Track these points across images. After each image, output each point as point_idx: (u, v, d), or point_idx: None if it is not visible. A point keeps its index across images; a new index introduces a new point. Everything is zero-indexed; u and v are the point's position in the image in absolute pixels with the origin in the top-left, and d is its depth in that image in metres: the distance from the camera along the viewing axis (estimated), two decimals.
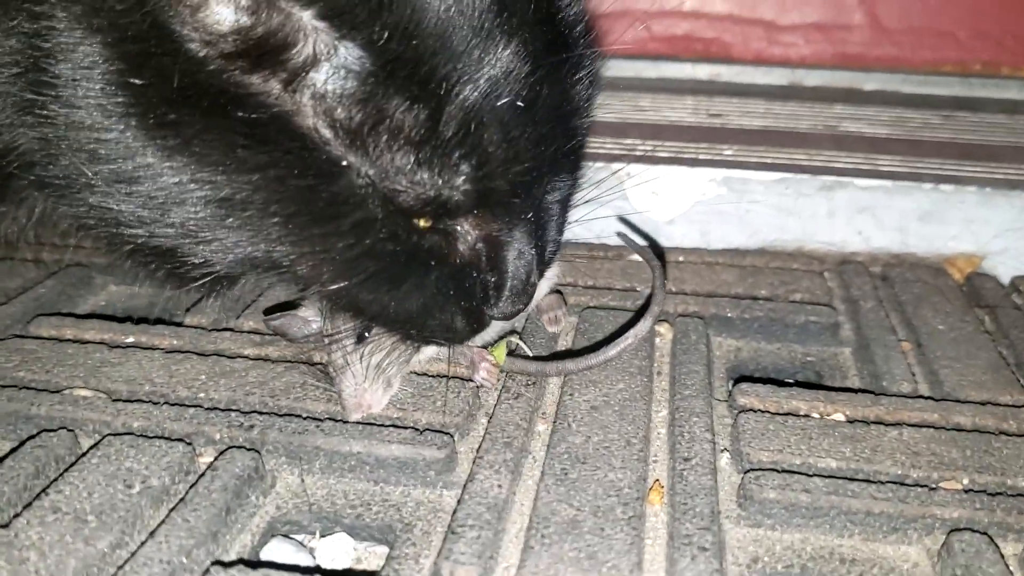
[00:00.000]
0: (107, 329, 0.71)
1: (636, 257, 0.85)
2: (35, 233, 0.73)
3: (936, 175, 0.85)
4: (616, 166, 0.88)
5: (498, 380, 0.64)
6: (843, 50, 1.05)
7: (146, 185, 0.45)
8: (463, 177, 0.46)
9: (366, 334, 0.60)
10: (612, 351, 0.62)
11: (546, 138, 0.50)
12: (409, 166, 0.46)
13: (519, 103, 0.46)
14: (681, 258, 0.85)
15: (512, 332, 0.68)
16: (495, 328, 0.64)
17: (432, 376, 0.64)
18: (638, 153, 0.89)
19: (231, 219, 0.46)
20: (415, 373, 0.64)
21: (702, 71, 1.08)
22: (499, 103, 0.45)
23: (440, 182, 0.46)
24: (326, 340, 0.61)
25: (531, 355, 0.67)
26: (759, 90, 1.04)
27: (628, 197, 0.88)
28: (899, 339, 0.72)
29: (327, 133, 0.44)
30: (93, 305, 0.81)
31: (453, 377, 0.64)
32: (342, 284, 0.50)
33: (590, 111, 0.58)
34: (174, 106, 0.43)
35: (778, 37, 1.06)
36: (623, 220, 0.85)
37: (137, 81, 0.43)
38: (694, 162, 0.87)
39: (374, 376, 0.60)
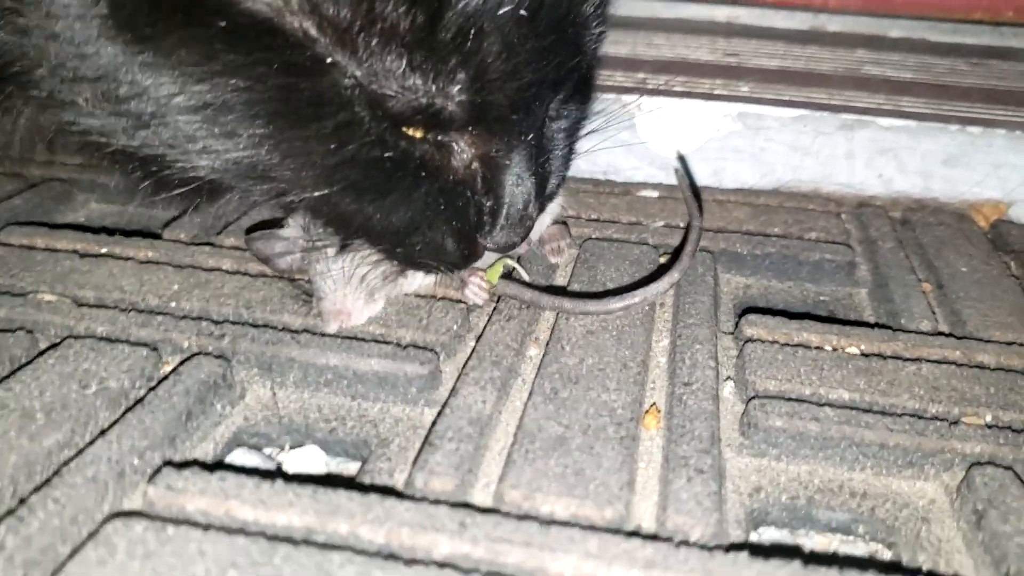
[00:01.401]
0: (80, 239, 0.67)
1: (644, 193, 0.81)
2: (20, 144, 0.71)
3: (963, 117, 0.80)
4: (626, 98, 0.83)
5: (488, 300, 0.60)
6: None
7: (129, 99, 0.43)
8: (459, 87, 0.43)
9: (349, 244, 0.56)
10: (615, 304, 0.58)
11: (549, 52, 0.46)
12: (401, 69, 0.42)
13: (522, 12, 0.42)
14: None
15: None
16: (490, 260, 0.60)
17: (420, 296, 0.60)
18: (650, 87, 0.85)
19: (214, 125, 0.43)
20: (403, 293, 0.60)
21: (720, 13, 1.03)
22: (501, 10, 0.42)
23: (434, 89, 0.43)
24: (307, 248, 0.57)
25: (528, 280, 0.63)
26: (779, 34, 0.99)
27: (638, 131, 0.83)
28: (919, 279, 0.67)
29: (313, 31, 0.41)
30: (71, 220, 0.77)
31: (443, 298, 0.60)
32: (324, 191, 0.46)
33: (600, 30, 0.53)
34: (153, 18, 0.41)
35: None
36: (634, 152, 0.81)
37: None
38: (708, 96, 0.83)
39: (356, 285, 0.56)
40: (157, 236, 0.69)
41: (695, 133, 0.83)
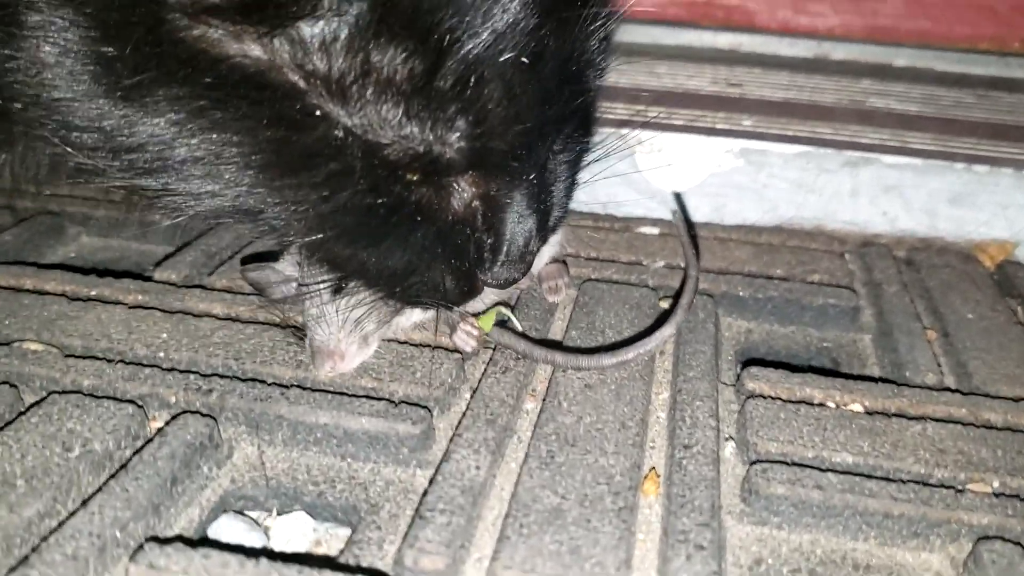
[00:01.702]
0: (69, 281, 0.65)
1: (644, 229, 0.79)
2: (12, 176, 0.70)
3: (969, 155, 0.79)
4: (626, 131, 0.82)
5: (479, 347, 0.59)
6: (873, 22, 0.99)
7: (125, 150, 0.43)
8: (458, 134, 0.43)
9: (344, 285, 0.55)
10: (608, 360, 0.56)
11: (552, 97, 0.45)
12: (397, 118, 0.42)
13: (524, 59, 0.42)
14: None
15: (505, 304, 0.63)
16: (489, 297, 0.59)
17: (414, 345, 0.59)
18: (650, 119, 0.83)
19: (207, 174, 0.43)
20: (396, 341, 0.59)
21: (723, 40, 1.01)
22: (503, 58, 0.41)
23: (431, 137, 0.42)
24: (301, 289, 0.55)
25: (520, 330, 0.62)
26: (782, 62, 0.98)
27: (638, 165, 0.82)
28: (924, 327, 0.66)
29: (301, 83, 0.40)
30: (62, 256, 0.76)
31: (437, 347, 0.59)
32: (316, 236, 0.46)
33: (602, 70, 0.53)
34: (141, 77, 0.40)
35: (805, 6, 0.99)
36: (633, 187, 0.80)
37: (110, 51, 0.40)
38: (710, 131, 0.82)
39: (350, 329, 0.55)
40: (148, 278, 0.67)
41: (696, 168, 0.81)
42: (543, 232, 0.52)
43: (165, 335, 0.59)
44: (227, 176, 0.43)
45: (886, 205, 0.80)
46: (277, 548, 0.46)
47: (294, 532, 0.47)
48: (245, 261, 0.65)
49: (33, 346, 0.57)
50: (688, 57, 0.98)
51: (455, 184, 0.47)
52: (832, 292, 0.69)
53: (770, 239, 0.79)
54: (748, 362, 0.61)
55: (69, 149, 0.44)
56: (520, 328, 0.62)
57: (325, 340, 0.55)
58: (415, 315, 0.59)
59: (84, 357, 0.56)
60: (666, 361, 0.61)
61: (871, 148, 0.79)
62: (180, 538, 0.43)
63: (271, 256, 0.61)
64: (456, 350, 0.58)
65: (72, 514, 0.43)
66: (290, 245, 0.56)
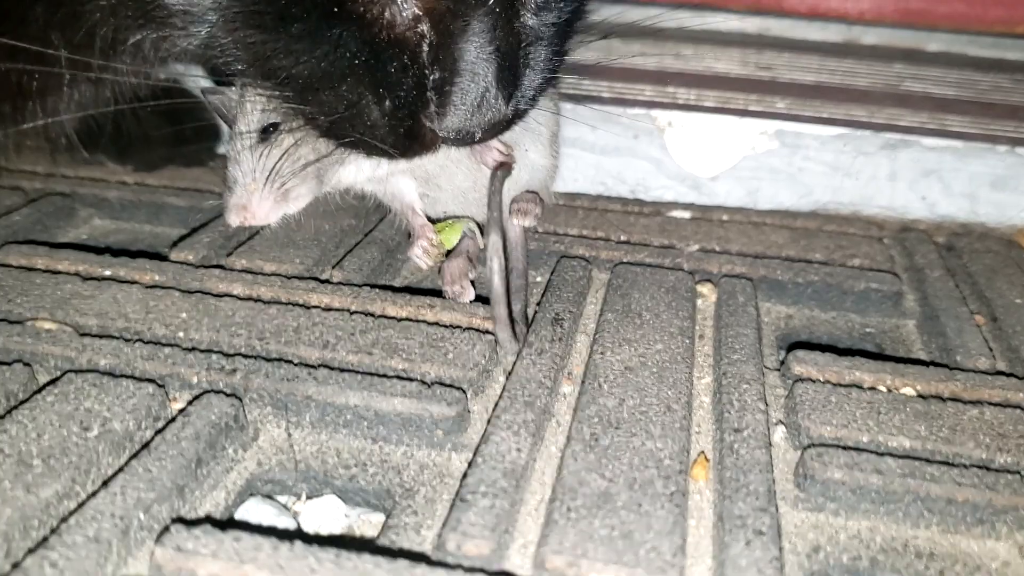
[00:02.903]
0: (82, 260, 0.63)
1: (675, 213, 0.77)
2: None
3: (1012, 138, 0.76)
4: (655, 113, 0.79)
5: (435, 264, 0.56)
6: (906, 5, 0.96)
7: None
8: None
9: (271, 130, 0.51)
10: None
11: None
12: None
13: None
14: (726, 217, 0.76)
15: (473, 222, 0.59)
16: (458, 176, 0.56)
17: (444, 326, 0.56)
18: (680, 101, 0.81)
19: None
20: (423, 322, 0.56)
21: (750, 24, 0.99)
22: None
23: None
24: (236, 128, 0.52)
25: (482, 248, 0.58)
26: (812, 46, 0.95)
27: (668, 149, 0.79)
28: (972, 312, 0.63)
29: None
30: (74, 237, 0.74)
31: (469, 328, 0.56)
32: (232, 9, 0.40)
33: None
34: None
35: None
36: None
37: None
38: (743, 112, 0.79)
39: (268, 179, 0.51)
40: (164, 258, 0.65)
41: (729, 151, 0.79)
42: (511, 90, 0.44)
43: (184, 315, 0.56)
44: None
45: (925, 189, 0.77)
46: (308, 533, 0.43)
47: (325, 517, 0.45)
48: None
49: (47, 325, 0.55)
50: (715, 41, 0.95)
51: None
52: (874, 277, 0.67)
53: (807, 224, 0.76)
54: (793, 346, 0.58)
55: None
56: (481, 244, 0.57)
57: (238, 191, 0.52)
58: (352, 169, 0.54)
59: (100, 336, 0.54)
60: (706, 345, 0.59)
61: (909, 130, 0.77)
62: (208, 519, 0.41)
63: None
64: (488, 332, 0.56)
65: (92, 495, 0.40)
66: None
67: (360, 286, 0.61)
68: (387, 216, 0.71)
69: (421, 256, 0.55)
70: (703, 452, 0.48)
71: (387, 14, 0.40)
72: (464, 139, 0.45)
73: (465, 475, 0.43)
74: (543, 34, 0.47)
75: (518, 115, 0.47)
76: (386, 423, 0.49)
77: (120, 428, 0.45)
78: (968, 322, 0.61)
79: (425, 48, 0.42)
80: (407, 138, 0.45)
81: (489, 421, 0.48)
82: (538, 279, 0.68)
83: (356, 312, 0.57)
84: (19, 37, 0.59)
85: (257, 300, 0.59)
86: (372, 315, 0.57)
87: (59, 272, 0.61)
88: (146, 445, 0.44)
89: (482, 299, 0.59)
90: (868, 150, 0.77)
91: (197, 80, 0.82)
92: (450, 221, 0.56)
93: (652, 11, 0.85)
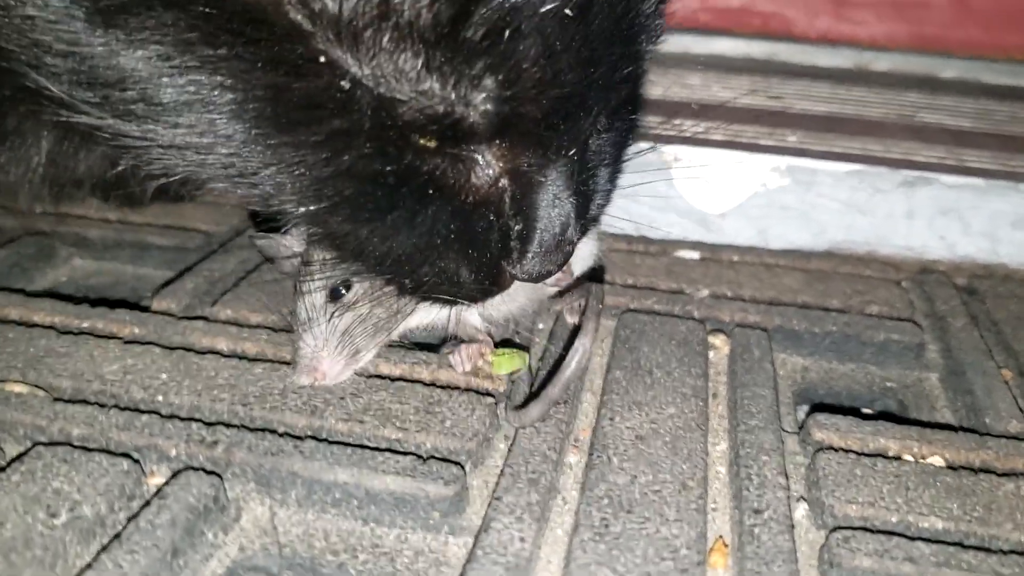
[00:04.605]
0: (59, 311, 0.59)
1: (682, 253, 0.73)
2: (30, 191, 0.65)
3: None
4: (662, 147, 0.76)
5: (472, 374, 0.53)
6: (919, 31, 0.93)
7: (98, 80, 0.37)
8: (484, 94, 0.36)
9: (343, 291, 0.50)
10: (536, 411, 0.50)
11: (598, 58, 0.39)
12: (416, 71, 0.36)
13: (568, 10, 0.36)
14: (736, 257, 0.73)
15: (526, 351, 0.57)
16: (520, 296, 0.54)
17: (441, 387, 0.53)
18: (687, 134, 0.77)
19: (193, 123, 0.37)
20: (421, 383, 0.53)
21: (758, 49, 0.96)
22: (544, 7, 0.35)
23: (454, 96, 0.36)
24: (299, 284, 0.51)
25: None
26: (822, 73, 0.92)
27: (675, 184, 0.76)
28: (998, 366, 0.60)
29: (306, 24, 0.34)
30: (52, 281, 0.70)
31: (467, 390, 0.53)
32: (312, 207, 0.40)
33: (657, 34, 0.46)
34: None
35: (847, 13, 0.94)
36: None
37: None
38: (754, 147, 0.76)
39: (339, 342, 0.50)
40: (145, 308, 0.61)
41: (738, 187, 0.76)
42: (582, 221, 0.45)
43: (164, 375, 0.53)
44: (217, 128, 0.37)
45: (944, 228, 0.74)
46: None
47: None
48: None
49: (17, 388, 0.51)
50: (721, 67, 0.92)
51: (479, 156, 0.41)
52: (894, 326, 0.63)
53: (820, 265, 0.73)
54: (814, 407, 0.55)
55: (42, 80, 0.38)
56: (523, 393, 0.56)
57: (309, 353, 0.50)
58: (420, 315, 0.53)
59: (74, 401, 0.50)
60: (720, 405, 0.55)
61: (927, 167, 0.74)
62: None
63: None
64: (488, 394, 0.52)
65: None
66: (291, 220, 0.47)
67: None
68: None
69: (463, 359, 0.54)
70: (721, 537, 0.45)
71: (472, 180, 0.41)
72: (542, 278, 0.46)
73: (464, 570, 0.40)
74: (606, 156, 0.47)
75: (584, 232, 0.47)
76: (378, 503, 0.45)
77: (91, 513, 0.42)
78: (995, 378, 0.58)
79: (507, 204, 0.42)
80: (488, 287, 0.46)
81: (490, 503, 0.44)
82: (540, 326, 0.64)
83: None
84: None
85: (242, 357, 0.55)
86: (364, 374, 0.54)
87: (34, 324, 0.58)
88: (118, 535, 0.40)
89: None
90: (884, 187, 0.73)
91: None
92: (511, 351, 0.54)
93: None
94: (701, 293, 0.67)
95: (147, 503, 0.42)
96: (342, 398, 0.51)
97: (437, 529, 0.45)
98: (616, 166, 0.49)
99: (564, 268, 0.51)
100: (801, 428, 0.53)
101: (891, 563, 0.42)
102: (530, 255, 0.43)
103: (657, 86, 0.88)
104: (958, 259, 0.74)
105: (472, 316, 0.55)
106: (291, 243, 0.55)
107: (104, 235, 0.73)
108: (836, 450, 0.50)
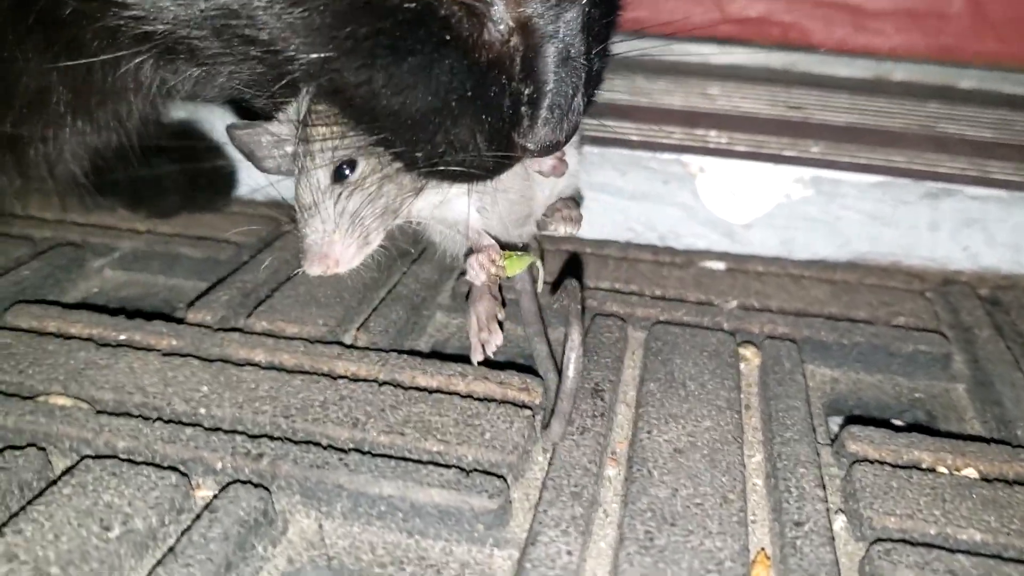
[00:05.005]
0: (96, 323, 0.60)
1: (708, 264, 0.74)
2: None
3: None
4: (686, 158, 0.77)
5: (490, 284, 0.54)
6: (937, 41, 0.94)
7: None
8: None
9: (347, 171, 0.48)
10: (558, 428, 0.50)
11: None
12: None
13: None
14: (762, 268, 0.74)
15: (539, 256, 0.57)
16: (513, 191, 0.53)
17: (478, 399, 0.53)
18: (711, 145, 0.78)
19: None
20: (458, 395, 0.54)
21: (776, 59, 0.96)
22: None
23: None
24: (296, 167, 0.49)
25: (542, 285, 0.57)
26: (840, 83, 0.93)
27: (699, 194, 0.77)
28: None
29: None
30: (84, 292, 0.71)
31: (504, 401, 0.53)
32: (325, 53, 0.38)
33: None
34: None
35: (865, 24, 0.94)
36: None
37: None
38: (777, 158, 0.76)
39: (349, 225, 0.49)
40: (180, 320, 0.62)
41: (762, 198, 0.76)
42: (588, 94, 0.44)
43: (205, 388, 0.53)
44: None
45: (967, 240, 0.74)
46: None
47: None
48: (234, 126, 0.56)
49: (61, 401, 0.52)
50: (740, 77, 0.93)
51: (492, 5, 0.40)
52: (921, 337, 0.64)
53: (845, 276, 0.73)
54: (848, 420, 0.55)
55: None
56: (541, 285, 0.56)
57: (319, 240, 0.49)
58: (425, 197, 0.52)
59: (117, 414, 0.51)
60: (753, 417, 0.56)
61: (951, 178, 0.74)
62: None
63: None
64: (525, 406, 0.53)
65: None
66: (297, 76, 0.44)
67: (387, 351, 0.58)
68: (413, 263, 0.68)
69: (476, 269, 0.52)
70: (763, 549, 0.45)
71: (486, 33, 0.40)
72: (551, 149, 0.44)
73: None
74: (599, 34, 0.45)
75: (589, 104, 0.46)
76: (422, 515, 0.46)
77: (143, 526, 0.42)
78: (1023, 389, 0.58)
79: (517, 63, 0.41)
80: (500, 158, 0.44)
81: (535, 516, 0.45)
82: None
83: (385, 383, 0.54)
84: (13, 78, 0.56)
85: (280, 369, 0.56)
86: (402, 386, 0.54)
87: (72, 337, 0.58)
88: (172, 548, 0.41)
89: (516, 365, 0.57)
90: (908, 199, 0.74)
91: (211, 122, 0.79)
92: (518, 253, 0.53)
93: (675, 46, 0.82)
94: (729, 304, 0.67)
95: (198, 516, 0.43)
96: (382, 410, 0.52)
97: (482, 542, 0.45)
98: (604, 56, 0.47)
99: (561, 157, 0.51)
100: (835, 440, 0.54)
101: None
102: (541, 120, 0.42)
103: (676, 95, 0.88)
104: (981, 269, 0.75)
105: (472, 215, 0.53)
106: (278, 130, 0.52)
107: (135, 246, 0.74)
108: (871, 462, 0.50)
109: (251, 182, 0.81)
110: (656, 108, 0.84)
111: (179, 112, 0.79)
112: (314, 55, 0.38)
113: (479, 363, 0.56)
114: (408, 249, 0.65)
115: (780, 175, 0.76)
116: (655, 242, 0.78)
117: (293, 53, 0.38)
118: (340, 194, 0.48)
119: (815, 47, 0.96)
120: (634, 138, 0.79)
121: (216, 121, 0.80)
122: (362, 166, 0.49)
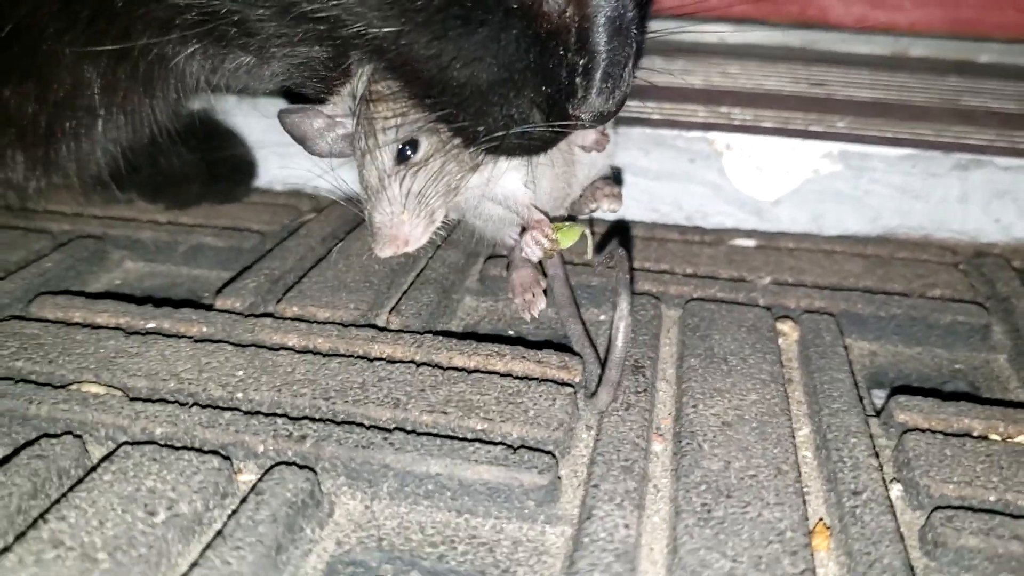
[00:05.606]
0: (124, 312, 0.59)
1: (738, 242, 0.73)
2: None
3: None
4: (711, 136, 0.76)
5: (546, 257, 0.53)
6: (956, 15, 0.93)
7: None
8: None
9: (409, 152, 0.48)
10: (605, 396, 0.50)
11: None
12: None
13: None
14: (792, 244, 0.73)
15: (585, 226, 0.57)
16: (558, 163, 0.53)
17: (517, 377, 0.52)
18: (736, 123, 0.77)
19: None
20: (495, 373, 0.53)
21: (794, 38, 0.95)
22: None
23: None
24: (357, 149, 0.49)
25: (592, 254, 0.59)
26: (860, 60, 0.92)
27: (726, 172, 0.76)
28: None
29: None
30: (107, 283, 0.70)
31: (545, 380, 0.52)
32: (397, 27, 0.38)
33: None
34: None
35: (883, 0, 0.93)
36: None
37: None
38: (804, 134, 0.75)
39: (416, 205, 0.49)
40: (209, 306, 0.61)
41: (790, 174, 0.75)
42: (636, 65, 0.44)
43: (241, 372, 0.52)
44: None
45: (999, 211, 0.73)
46: None
47: None
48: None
49: (94, 389, 0.51)
50: (760, 56, 0.92)
51: None
52: (960, 308, 0.63)
53: (878, 251, 0.72)
54: (895, 390, 0.54)
55: None
56: (590, 254, 0.58)
57: (388, 222, 0.49)
58: (480, 173, 0.52)
59: (152, 400, 0.50)
60: (796, 390, 0.55)
61: (980, 150, 0.73)
62: None
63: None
64: (566, 383, 0.52)
65: None
66: (363, 52, 0.45)
67: (421, 333, 0.57)
68: (438, 248, 0.68)
69: (532, 246, 0.52)
70: (821, 519, 0.44)
71: (546, 5, 0.40)
72: (603, 119, 0.44)
73: (572, 558, 0.39)
74: (641, 14, 0.46)
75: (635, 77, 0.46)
76: (471, 493, 0.45)
77: (188, 510, 0.41)
78: None
79: (573, 34, 0.41)
80: (555, 132, 0.44)
81: (586, 491, 0.44)
82: (601, 317, 0.64)
83: (422, 364, 0.54)
84: (48, 73, 0.56)
85: (315, 352, 0.55)
86: (440, 367, 0.53)
87: (99, 326, 0.57)
88: (220, 532, 0.40)
89: (552, 345, 0.56)
90: (938, 171, 0.73)
91: (228, 114, 0.78)
92: (568, 223, 0.53)
93: (692, 25, 0.81)
94: (763, 280, 0.66)
95: (244, 500, 0.42)
96: (422, 390, 0.51)
97: (533, 519, 0.44)
98: (642, 32, 0.48)
99: (604, 131, 0.53)
100: (882, 410, 0.53)
101: (998, 542, 0.41)
102: (595, 90, 0.42)
103: (696, 75, 0.87)
104: (1014, 241, 0.74)
105: (519, 190, 0.54)
106: (332, 111, 0.52)
107: (156, 237, 0.73)
108: (922, 431, 0.49)
109: (269, 171, 0.80)
110: (677, 88, 0.83)
111: (196, 103, 0.78)
112: (387, 29, 0.38)
113: (513, 342, 0.55)
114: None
115: (807, 150, 0.75)
116: (682, 222, 0.77)
117: (363, 28, 0.38)
118: (404, 175, 0.48)
119: (833, 25, 0.95)
120: (656, 117, 0.78)
121: (233, 111, 0.79)
122: (424, 146, 0.48)
